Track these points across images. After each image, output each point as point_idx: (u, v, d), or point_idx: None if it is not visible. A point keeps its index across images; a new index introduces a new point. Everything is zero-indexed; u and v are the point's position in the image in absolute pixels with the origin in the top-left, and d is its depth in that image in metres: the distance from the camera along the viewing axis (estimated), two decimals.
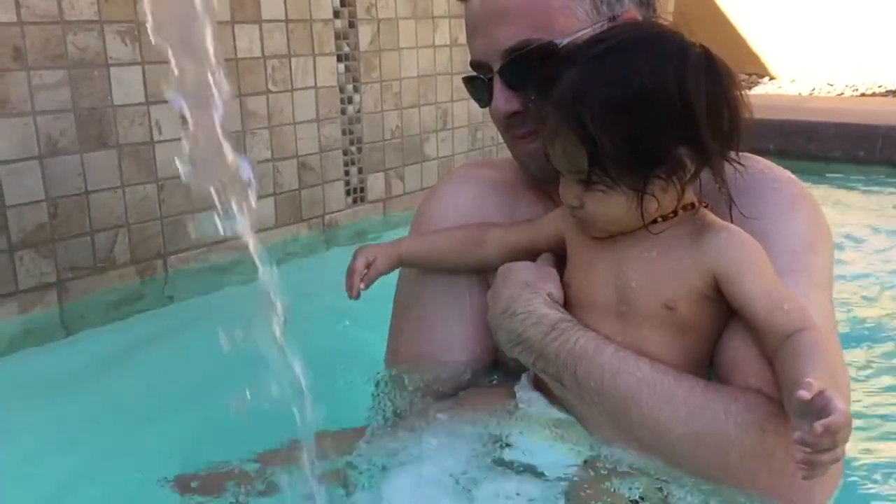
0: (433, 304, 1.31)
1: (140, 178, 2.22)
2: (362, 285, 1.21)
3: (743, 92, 1.02)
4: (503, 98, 1.21)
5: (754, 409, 0.97)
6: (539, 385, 1.14)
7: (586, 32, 1.15)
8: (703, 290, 1.03)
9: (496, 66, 1.20)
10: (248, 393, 1.04)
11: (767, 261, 1.02)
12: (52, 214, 2.04)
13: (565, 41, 1.15)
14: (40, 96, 1.98)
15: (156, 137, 2.24)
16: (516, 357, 1.12)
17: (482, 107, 1.30)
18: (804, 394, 0.83)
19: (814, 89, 6.38)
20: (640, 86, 0.97)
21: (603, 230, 1.08)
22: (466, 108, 3.31)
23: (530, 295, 1.10)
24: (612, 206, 1.03)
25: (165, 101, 2.23)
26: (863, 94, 6.18)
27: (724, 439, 0.97)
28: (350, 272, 1.21)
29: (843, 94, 6.25)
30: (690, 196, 1.06)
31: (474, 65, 1.26)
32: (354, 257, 1.22)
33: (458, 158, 3.31)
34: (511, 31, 1.17)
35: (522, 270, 1.15)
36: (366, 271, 1.22)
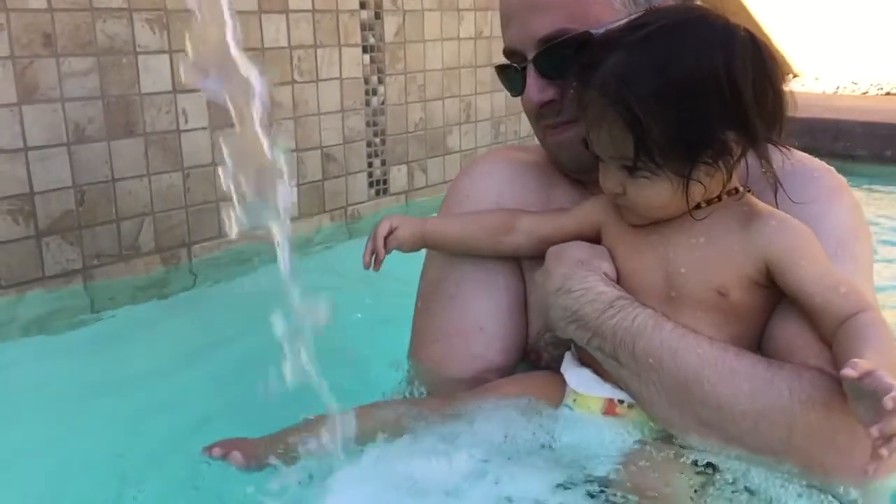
0: (465, 283, 1.27)
1: (166, 167, 2.23)
2: (383, 251, 1.18)
3: (785, 74, 1.01)
4: (537, 87, 1.20)
5: (819, 387, 0.95)
6: (585, 363, 1.12)
7: (622, 23, 1.13)
8: (754, 276, 1.02)
9: (530, 55, 1.19)
10: (270, 379, 1.03)
11: (819, 245, 1.01)
12: (78, 201, 2.05)
13: (601, 31, 1.13)
14: (69, 83, 1.99)
15: (182, 126, 2.24)
16: (570, 335, 1.10)
17: (514, 96, 1.28)
18: (849, 372, 0.83)
19: (838, 87, 6.31)
20: (688, 69, 0.96)
21: (645, 217, 1.07)
22: (490, 102, 3.30)
23: (586, 272, 1.08)
24: (656, 192, 1.02)
25: (192, 91, 2.26)
26: (888, 93, 6.11)
27: (789, 416, 0.96)
28: (373, 236, 1.19)
29: (867, 92, 6.18)
30: (734, 181, 1.05)
31: (508, 53, 1.25)
32: (379, 222, 1.20)
33: (480, 151, 3.30)
34: (547, 20, 1.16)
35: (576, 249, 1.13)
36: (387, 235, 1.19)
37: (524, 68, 1.21)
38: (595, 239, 1.16)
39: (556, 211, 1.24)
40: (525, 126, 3.52)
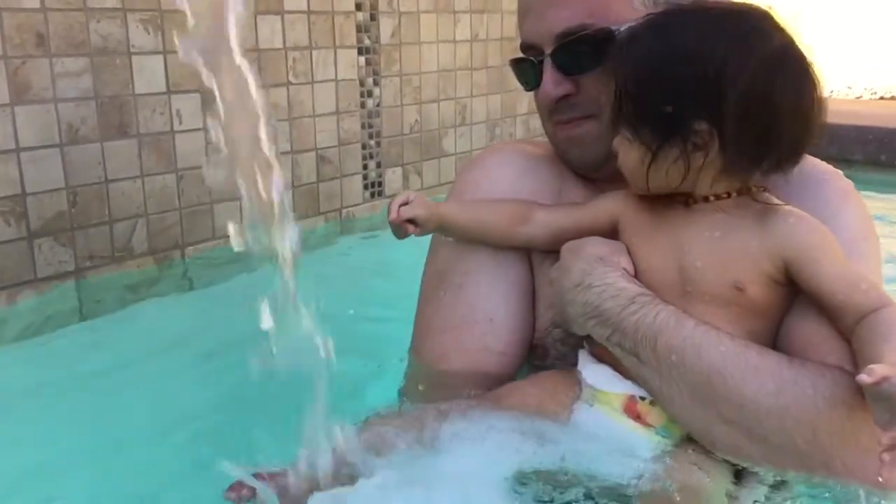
0: (473, 274, 1.24)
1: (159, 168, 2.22)
2: (396, 213, 1.15)
3: (817, 107, 1.00)
4: (553, 82, 1.20)
5: (841, 386, 0.95)
6: (601, 361, 1.11)
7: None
8: (772, 273, 1.02)
9: (548, 50, 1.19)
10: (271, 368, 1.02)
11: (837, 242, 1.01)
12: (71, 203, 2.03)
13: (621, 28, 1.14)
14: (62, 84, 1.98)
15: (176, 127, 2.23)
16: (588, 332, 1.09)
17: (528, 90, 1.28)
18: (865, 378, 0.83)
19: (832, 92, 6.33)
20: (679, 52, 0.99)
21: (632, 184, 1.09)
22: (485, 104, 3.29)
23: (606, 268, 1.08)
24: (628, 156, 1.05)
25: (186, 91, 2.25)
26: (882, 98, 6.13)
27: (814, 414, 0.95)
28: (389, 206, 1.17)
29: (861, 97, 6.20)
30: (746, 181, 1.05)
31: (524, 47, 1.25)
32: (396, 197, 1.18)
33: (475, 154, 3.29)
34: (566, 15, 1.17)
35: (594, 245, 1.12)
36: (403, 205, 1.16)
37: (541, 62, 1.21)
38: (610, 233, 1.15)
39: (574, 204, 1.23)
40: (520, 129, 3.51)
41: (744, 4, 1.04)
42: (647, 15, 1.06)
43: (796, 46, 1.01)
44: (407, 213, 1.15)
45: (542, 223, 1.20)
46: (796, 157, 1.04)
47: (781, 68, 0.98)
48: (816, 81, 1.01)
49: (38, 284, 2.01)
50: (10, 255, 1.94)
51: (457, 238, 1.26)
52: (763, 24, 1.01)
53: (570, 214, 1.20)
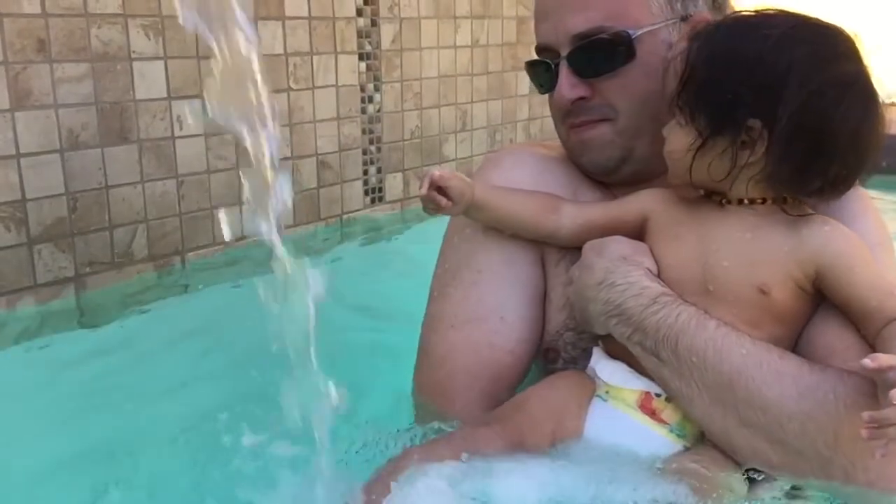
0: (486, 272, 1.23)
1: (160, 174, 2.22)
2: (428, 182, 1.12)
3: (876, 142, 1.00)
4: (568, 84, 1.20)
5: (863, 392, 0.95)
6: (616, 358, 1.11)
7: (658, 27, 1.16)
8: (800, 279, 1.02)
9: (564, 52, 1.19)
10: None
11: (868, 249, 1.02)
12: (71, 208, 2.03)
13: (639, 33, 1.15)
14: (63, 89, 1.98)
15: (177, 133, 2.23)
16: (609, 330, 1.09)
17: (542, 93, 1.28)
18: (867, 362, 0.85)
19: None
20: (755, 49, 0.99)
21: (672, 173, 1.08)
22: (486, 110, 3.29)
23: (629, 267, 1.08)
24: (677, 141, 1.05)
25: (187, 97, 2.25)
26: (882, 103, 6.14)
27: (835, 420, 0.96)
28: (425, 176, 1.14)
29: None
30: (786, 192, 1.05)
31: (540, 49, 1.25)
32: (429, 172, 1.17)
33: (476, 160, 3.28)
34: (584, 18, 1.17)
35: (617, 244, 1.12)
36: (436, 179, 1.13)
37: (556, 65, 1.21)
38: (638, 231, 1.15)
39: (600, 201, 1.24)
40: (521, 134, 3.51)
41: (834, 24, 1.04)
42: (738, 11, 1.08)
43: (868, 77, 1.01)
44: (441, 181, 1.13)
45: (571, 215, 1.19)
46: (846, 186, 1.04)
47: (848, 93, 0.98)
48: (881, 118, 1.01)
49: (38, 290, 2.00)
50: (9, 261, 1.94)
51: (483, 221, 1.24)
52: (844, 46, 1.01)
53: (598, 210, 1.20)
